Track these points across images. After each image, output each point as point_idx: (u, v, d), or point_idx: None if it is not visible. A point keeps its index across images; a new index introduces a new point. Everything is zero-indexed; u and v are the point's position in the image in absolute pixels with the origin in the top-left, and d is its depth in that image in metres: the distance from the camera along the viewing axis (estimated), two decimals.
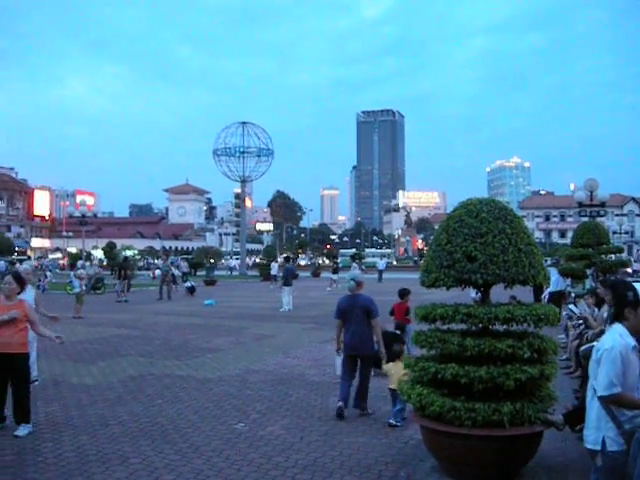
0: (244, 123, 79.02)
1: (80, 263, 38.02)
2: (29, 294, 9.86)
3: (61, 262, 74.47)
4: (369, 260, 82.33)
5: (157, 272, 42.01)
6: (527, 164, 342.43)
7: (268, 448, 7.46)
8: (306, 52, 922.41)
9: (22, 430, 7.96)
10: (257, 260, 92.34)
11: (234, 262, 57.12)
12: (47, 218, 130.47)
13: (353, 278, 9.56)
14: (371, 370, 9.62)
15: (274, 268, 45.64)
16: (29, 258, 73.90)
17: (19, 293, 8.43)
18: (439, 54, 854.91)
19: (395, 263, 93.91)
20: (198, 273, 59.57)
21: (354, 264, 33.98)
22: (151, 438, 7.85)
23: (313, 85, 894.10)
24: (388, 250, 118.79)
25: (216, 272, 55.48)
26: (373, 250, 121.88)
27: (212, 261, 58.15)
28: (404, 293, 13.16)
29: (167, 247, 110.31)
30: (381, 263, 54.70)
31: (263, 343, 16.36)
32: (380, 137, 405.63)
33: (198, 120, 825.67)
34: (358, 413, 9.09)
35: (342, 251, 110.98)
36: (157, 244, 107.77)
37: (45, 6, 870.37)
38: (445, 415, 6.13)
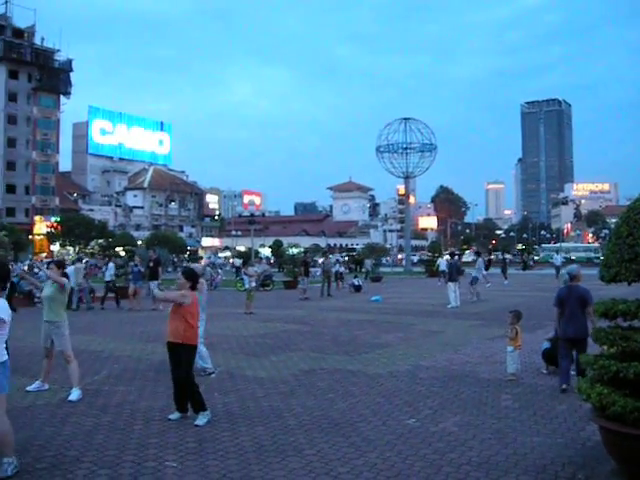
0: (406, 119, 78.68)
1: (236, 261, 39.18)
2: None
3: (231, 260, 77.25)
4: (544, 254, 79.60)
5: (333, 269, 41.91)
6: None
7: (441, 444, 7.41)
8: (466, 44, 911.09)
9: (201, 419, 8.31)
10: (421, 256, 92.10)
11: (369, 262, 57.02)
12: (216, 218, 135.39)
13: (569, 272, 10.63)
14: (585, 352, 9.66)
15: (442, 264, 45.03)
16: (211, 256, 77.11)
17: (193, 289, 8.79)
18: (607, 38, 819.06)
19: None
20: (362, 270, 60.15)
21: (479, 259, 33.16)
22: (324, 431, 7.99)
23: (474, 78, 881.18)
24: (595, 244, 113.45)
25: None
26: (576, 244, 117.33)
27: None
28: None
29: (332, 244, 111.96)
30: (557, 258, 52.16)
31: (431, 339, 16.27)
32: (546, 128, 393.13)
33: (359, 118, 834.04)
34: (532, 412, 8.88)
35: (544, 246, 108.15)
36: (322, 242, 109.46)
37: (209, 16, 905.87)
38: (627, 416, 5.85)
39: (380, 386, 10.62)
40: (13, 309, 7.45)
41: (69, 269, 28.08)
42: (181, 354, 8.47)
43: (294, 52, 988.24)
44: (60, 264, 10.91)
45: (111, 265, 27.85)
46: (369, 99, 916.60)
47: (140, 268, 26.49)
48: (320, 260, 44.14)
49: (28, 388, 10.23)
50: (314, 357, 13.58)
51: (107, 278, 27.31)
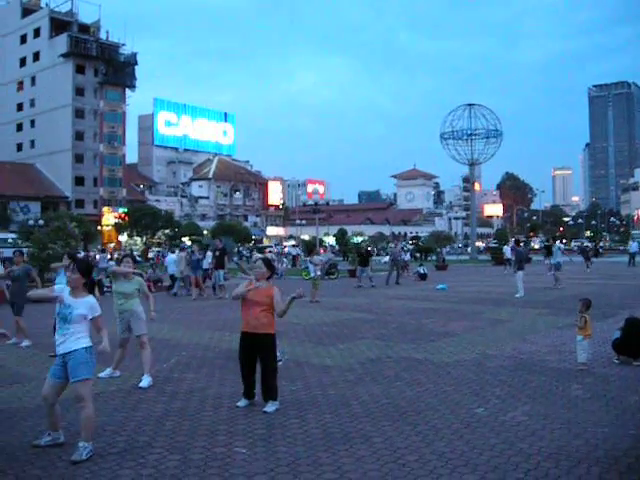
0: (471, 105, 77.85)
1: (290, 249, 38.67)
2: None
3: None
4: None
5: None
6: None
7: (509, 434, 7.32)
8: (530, 27, 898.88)
9: (270, 407, 8.39)
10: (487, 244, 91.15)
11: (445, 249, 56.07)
12: (281, 207, 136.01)
13: None
14: None
15: (507, 252, 44.35)
16: (276, 245, 77.71)
17: (269, 278, 8.84)
18: None
19: None
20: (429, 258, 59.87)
21: (558, 245, 32.38)
22: (392, 419, 7.97)
23: (539, 61, 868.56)
24: None
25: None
26: None
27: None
28: None
29: (396, 233, 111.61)
30: (634, 245, 49.99)
31: (499, 328, 16.07)
32: (615, 111, 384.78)
33: (423, 105, 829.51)
34: (604, 403, 8.71)
35: (634, 232, 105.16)
36: (386, 230, 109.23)
37: (272, 7, 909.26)
38: None
39: (447, 374, 10.55)
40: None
41: (169, 257, 28.66)
42: (264, 344, 8.49)
43: (356, 40, 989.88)
44: (134, 257, 11.40)
45: (209, 254, 28.09)
46: (432, 85, 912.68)
47: (198, 256, 26.71)
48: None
49: (100, 375, 10.46)
50: (380, 345, 13.56)
51: (205, 266, 27.62)
